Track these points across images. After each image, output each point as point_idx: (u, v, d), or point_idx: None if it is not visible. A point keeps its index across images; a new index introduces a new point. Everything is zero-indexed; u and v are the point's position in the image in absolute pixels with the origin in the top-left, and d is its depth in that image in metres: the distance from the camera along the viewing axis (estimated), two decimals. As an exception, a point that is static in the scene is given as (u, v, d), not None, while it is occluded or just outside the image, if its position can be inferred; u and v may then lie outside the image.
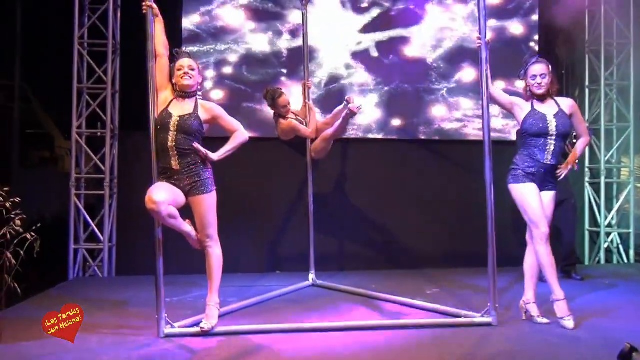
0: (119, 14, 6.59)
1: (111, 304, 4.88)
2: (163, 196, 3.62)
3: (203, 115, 3.84)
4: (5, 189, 3.04)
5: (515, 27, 7.08)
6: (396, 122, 6.91)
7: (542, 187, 4.11)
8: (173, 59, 3.92)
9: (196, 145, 3.77)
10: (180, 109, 3.83)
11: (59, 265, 6.42)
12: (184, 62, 3.87)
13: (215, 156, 3.83)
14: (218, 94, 6.68)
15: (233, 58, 6.72)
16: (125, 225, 6.55)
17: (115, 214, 6.55)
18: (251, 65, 6.73)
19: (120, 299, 5.11)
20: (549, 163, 4.08)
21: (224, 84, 6.71)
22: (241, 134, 3.92)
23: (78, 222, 6.47)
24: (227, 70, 6.72)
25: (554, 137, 4.06)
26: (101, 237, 6.41)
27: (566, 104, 4.17)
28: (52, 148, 11.65)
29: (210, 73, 6.67)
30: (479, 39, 4.07)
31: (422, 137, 6.95)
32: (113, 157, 6.55)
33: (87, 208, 6.51)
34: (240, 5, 6.72)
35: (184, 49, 4.08)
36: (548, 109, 4.12)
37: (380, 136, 6.90)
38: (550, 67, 4.15)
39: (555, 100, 4.16)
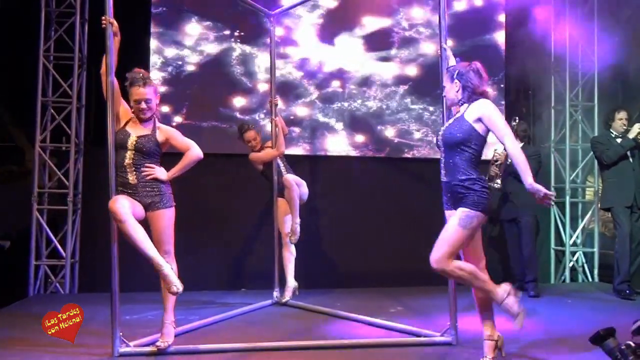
0: (86, 28, 6.54)
1: (69, 321, 4.77)
2: (125, 203, 3.60)
3: (160, 137, 3.85)
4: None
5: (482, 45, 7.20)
6: (360, 139, 6.98)
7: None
8: (127, 79, 3.85)
9: (148, 166, 3.77)
10: (139, 129, 3.83)
11: (20, 281, 6.29)
12: (140, 93, 3.76)
13: (164, 176, 3.81)
14: (182, 109, 6.65)
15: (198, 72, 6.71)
16: (88, 242, 6.44)
17: (79, 230, 6.45)
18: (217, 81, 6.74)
19: (78, 316, 4.99)
20: (444, 180, 3.47)
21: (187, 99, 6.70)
22: (192, 152, 3.88)
23: (40, 237, 6.35)
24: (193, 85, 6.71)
25: (442, 149, 3.49)
26: (63, 253, 6.30)
27: (475, 106, 3.42)
28: (21, 162, 11.44)
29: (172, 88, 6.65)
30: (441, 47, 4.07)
31: (384, 155, 7.02)
32: (77, 171, 6.47)
33: (49, 223, 6.40)
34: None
35: (134, 73, 3.92)
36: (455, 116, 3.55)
37: (343, 153, 6.95)
38: (455, 74, 3.56)
39: (469, 105, 3.49)
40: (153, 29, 6.58)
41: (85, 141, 6.54)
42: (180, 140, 3.92)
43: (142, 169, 3.76)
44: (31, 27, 6.41)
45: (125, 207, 3.57)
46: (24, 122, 7.95)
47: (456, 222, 3.31)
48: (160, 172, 3.80)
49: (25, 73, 6.64)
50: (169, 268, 3.58)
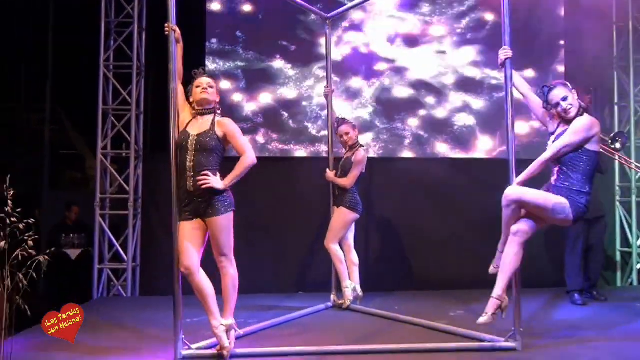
0: (143, 37, 6.70)
1: (132, 324, 4.87)
2: (194, 259, 3.73)
3: (219, 132, 3.77)
4: (18, 209, 3.06)
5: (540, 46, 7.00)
6: (428, 140, 6.93)
7: None
8: (191, 79, 3.93)
9: (204, 174, 3.68)
10: (197, 127, 3.80)
11: (85, 284, 6.50)
12: (202, 80, 3.86)
13: (221, 185, 3.72)
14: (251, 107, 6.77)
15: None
16: (149, 245, 6.59)
17: (139, 234, 6.60)
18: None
19: (141, 319, 5.11)
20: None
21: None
22: (247, 158, 3.75)
23: (103, 241, 6.53)
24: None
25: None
26: (125, 257, 6.46)
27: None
28: (82, 169, 11.84)
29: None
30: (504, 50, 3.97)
31: (452, 156, 6.93)
32: (137, 177, 6.62)
33: (111, 228, 6.57)
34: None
35: (200, 68, 4.05)
36: None
37: (409, 155, 6.89)
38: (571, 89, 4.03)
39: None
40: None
41: (145, 147, 6.68)
42: (238, 141, 3.80)
43: (199, 176, 3.69)
44: (91, 38, 6.60)
45: (193, 259, 3.71)
46: (85, 130, 8.25)
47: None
48: (215, 182, 3.69)
49: (86, 82, 6.87)
50: (222, 330, 3.76)
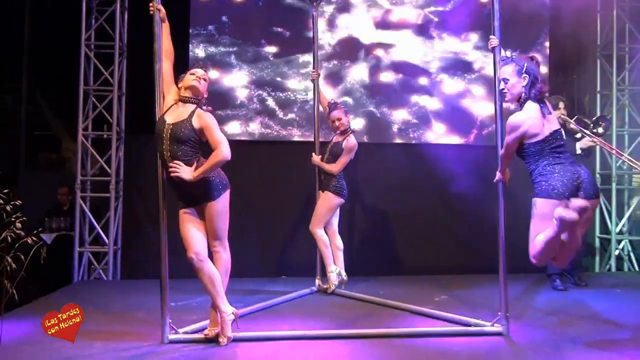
0: (125, 16, 6.56)
1: (115, 308, 4.82)
2: (202, 244, 3.74)
3: (196, 123, 3.66)
4: (5, 190, 2.98)
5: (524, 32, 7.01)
6: (406, 126, 6.90)
7: None
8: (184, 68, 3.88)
9: (176, 163, 3.62)
10: (176, 115, 3.71)
11: (64, 267, 6.39)
12: (198, 70, 3.80)
13: (189, 176, 3.62)
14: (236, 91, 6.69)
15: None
16: (131, 229, 6.51)
17: (121, 217, 6.51)
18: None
19: (124, 303, 5.06)
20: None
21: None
22: (218, 152, 3.62)
23: (83, 224, 6.43)
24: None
25: None
26: (106, 240, 6.37)
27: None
28: (58, 150, 11.61)
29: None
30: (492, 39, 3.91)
31: (440, 142, 6.93)
32: (119, 159, 6.52)
33: (92, 211, 6.47)
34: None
35: (201, 63, 4.03)
36: None
37: (395, 140, 6.90)
38: (524, 67, 3.59)
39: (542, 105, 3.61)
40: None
41: (126, 129, 6.57)
42: (213, 134, 3.66)
43: (183, 161, 3.63)
44: (72, 17, 6.44)
45: (202, 244, 3.73)
46: (65, 111, 8.06)
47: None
48: (184, 172, 3.61)
49: (65, 62, 6.72)
50: (231, 318, 3.76)
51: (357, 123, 6.76)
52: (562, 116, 5.39)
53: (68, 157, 9.89)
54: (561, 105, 5.48)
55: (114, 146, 6.42)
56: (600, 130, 5.28)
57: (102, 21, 6.47)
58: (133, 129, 6.59)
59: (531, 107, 3.61)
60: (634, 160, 5.17)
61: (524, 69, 3.57)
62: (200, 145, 3.73)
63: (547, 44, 7.05)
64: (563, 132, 3.80)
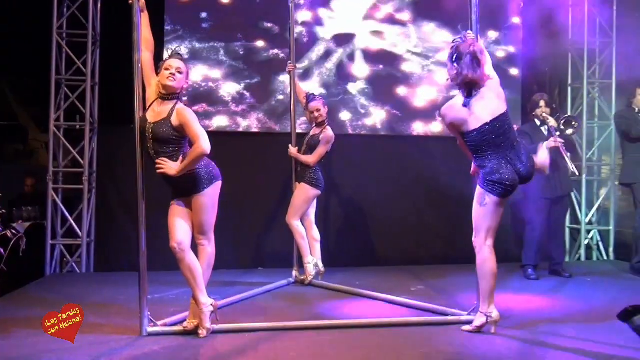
0: (99, 4, 6.44)
1: (91, 301, 4.74)
2: (186, 234, 3.74)
3: (175, 121, 3.63)
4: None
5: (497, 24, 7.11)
6: (386, 118, 6.93)
7: None
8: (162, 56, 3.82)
9: (161, 159, 3.64)
10: (156, 114, 3.68)
11: (36, 260, 6.28)
12: (173, 62, 3.69)
13: (173, 172, 3.62)
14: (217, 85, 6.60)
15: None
16: (104, 221, 6.43)
17: (94, 209, 6.42)
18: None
19: (100, 296, 5.00)
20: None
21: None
22: (197, 147, 3.58)
23: (55, 217, 6.33)
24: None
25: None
26: (79, 233, 6.28)
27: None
28: (25, 141, 11.38)
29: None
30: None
31: (414, 134, 6.97)
32: (92, 150, 6.42)
33: (64, 203, 6.37)
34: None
35: (176, 48, 3.93)
36: None
37: (372, 132, 6.91)
38: (454, 56, 3.65)
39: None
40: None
41: (100, 120, 6.47)
42: (192, 129, 3.61)
43: (168, 156, 3.64)
44: (43, 4, 6.30)
45: (185, 234, 3.73)
46: (36, 101, 7.89)
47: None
48: (169, 168, 3.62)
49: (37, 51, 6.57)
50: (210, 310, 3.76)
51: (343, 115, 6.79)
52: (544, 114, 5.52)
53: (36, 148, 9.71)
54: (542, 103, 5.62)
55: (87, 137, 6.32)
56: (570, 131, 5.46)
57: (75, 9, 6.34)
58: (107, 120, 6.49)
59: (457, 98, 3.71)
60: (573, 164, 5.30)
61: (453, 57, 3.60)
62: (184, 140, 3.71)
63: (520, 35, 7.16)
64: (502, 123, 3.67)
